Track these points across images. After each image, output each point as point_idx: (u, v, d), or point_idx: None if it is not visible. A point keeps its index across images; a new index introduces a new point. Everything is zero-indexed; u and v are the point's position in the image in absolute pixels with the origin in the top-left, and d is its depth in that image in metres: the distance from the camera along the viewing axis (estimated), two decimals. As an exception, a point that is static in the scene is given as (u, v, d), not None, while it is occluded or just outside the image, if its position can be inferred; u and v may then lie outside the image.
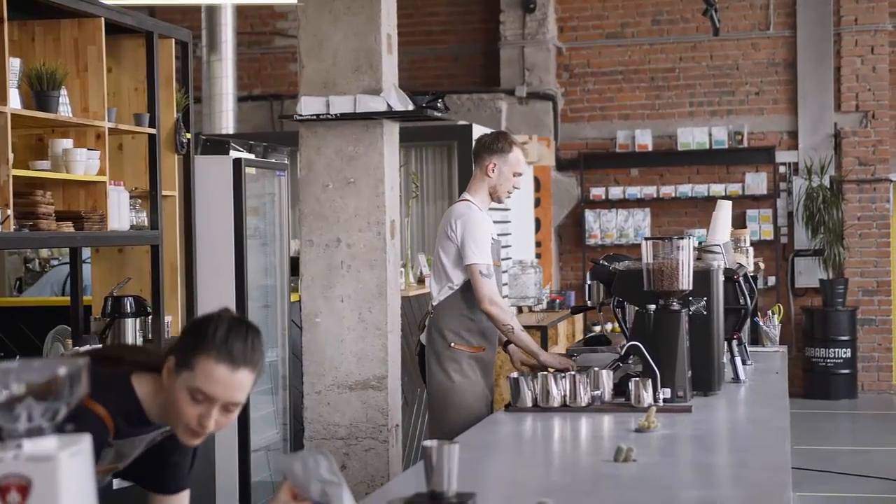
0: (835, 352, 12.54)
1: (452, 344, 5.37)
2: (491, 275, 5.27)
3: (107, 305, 5.67)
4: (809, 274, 12.91)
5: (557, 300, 11.10)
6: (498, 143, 5.46)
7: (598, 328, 10.94)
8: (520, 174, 5.47)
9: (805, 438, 10.18)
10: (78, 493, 1.81)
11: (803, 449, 9.60)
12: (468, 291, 5.31)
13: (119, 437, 2.77)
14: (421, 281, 8.43)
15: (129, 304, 5.65)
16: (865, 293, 12.93)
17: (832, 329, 12.58)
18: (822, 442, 10.40)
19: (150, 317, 5.80)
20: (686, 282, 4.54)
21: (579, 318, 11.15)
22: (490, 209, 5.53)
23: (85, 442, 1.84)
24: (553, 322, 9.79)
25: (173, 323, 6.07)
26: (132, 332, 5.63)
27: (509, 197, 5.62)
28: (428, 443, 2.83)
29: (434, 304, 5.49)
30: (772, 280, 12.89)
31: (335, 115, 5.69)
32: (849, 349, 12.56)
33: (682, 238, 4.58)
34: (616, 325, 6.19)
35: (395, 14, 5.94)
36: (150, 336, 5.82)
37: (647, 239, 4.62)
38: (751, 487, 3.16)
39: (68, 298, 6.05)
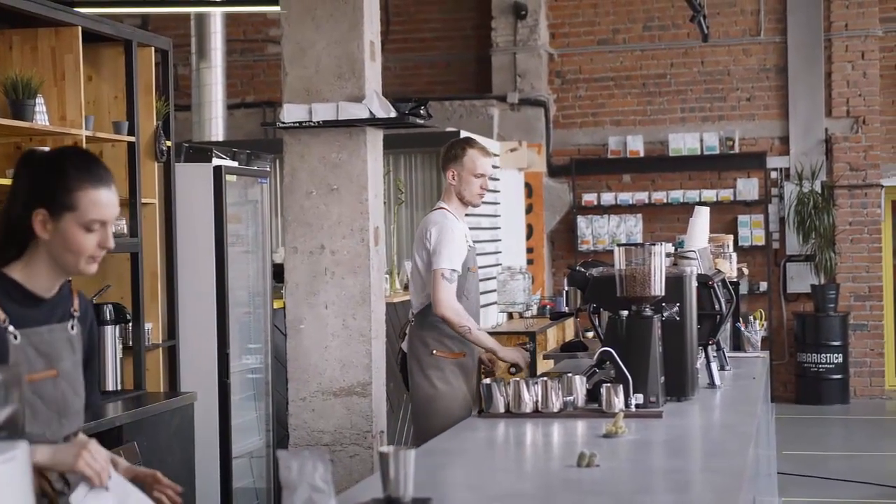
0: (826, 357, 12.54)
1: (434, 351, 5.41)
2: (453, 280, 5.31)
3: (87, 313, 5.68)
4: (801, 279, 12.91)
5: (548, 306, 11.09)
6: (452, 150, 5.53)
7: (590, 334, 10.92)
8: (481, 175, 5.50)
9: (796, 444, 10.19)
10: (11, 501, 1.82)
11: (793, 454, 9.60)
12: (447, 299, 5.34)
13: (17, 324, 2.81)
14: (407, 287, 8.45)
15: (108, 312, 5.65)
16: (857, 298, 12.94)
17: (824, 334, 12.57)
18: (812, 447, 10.40)
19: (129, 324, 5.82)
20: (658, 288, 4.54)
21: (570, 323, 11.14)
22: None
23: (20, 449, 1.85)
24: (542, 328, 9.79)
25: (154, 330, 6.08)
26: (112, 339, 5.63)
27: (482, 198, 5.64)
28: (384, 449, 2.87)
29: (414, 312, 5.53)
30: (763, 285, 12.90)
31: (318, 122, 5.70)
32: (841, 354, 12.56)
33: (655, 244, 4.59)
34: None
35: (378, 21, 5.95)
36: (130, 343, 5.83)
37: (619, 245, 4.63)
38: (706, 491, 3.18)
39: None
